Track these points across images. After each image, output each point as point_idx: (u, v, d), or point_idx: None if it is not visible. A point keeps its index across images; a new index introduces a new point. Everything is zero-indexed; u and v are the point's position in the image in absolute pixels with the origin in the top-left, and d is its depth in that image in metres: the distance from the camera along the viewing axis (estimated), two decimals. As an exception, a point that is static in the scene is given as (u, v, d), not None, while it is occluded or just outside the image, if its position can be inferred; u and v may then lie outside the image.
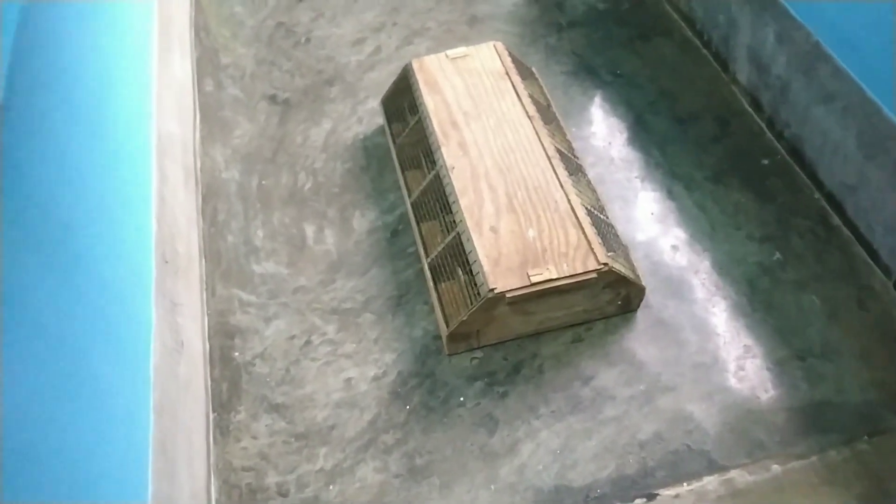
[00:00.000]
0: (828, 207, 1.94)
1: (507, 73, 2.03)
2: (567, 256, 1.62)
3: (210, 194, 2.12)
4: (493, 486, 1.55)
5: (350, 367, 1.74)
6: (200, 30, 2.64)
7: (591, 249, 1.62)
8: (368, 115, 2.30)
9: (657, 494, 1.52)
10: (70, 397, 1.11)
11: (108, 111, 1.59)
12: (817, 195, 1.97)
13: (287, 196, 2.10)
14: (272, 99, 2.39)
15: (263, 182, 2.14)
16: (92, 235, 1.33)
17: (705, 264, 1.86)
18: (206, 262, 1.95)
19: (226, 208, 2.08)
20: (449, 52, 2.11)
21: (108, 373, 1.23)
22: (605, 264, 1.60)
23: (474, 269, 1.63)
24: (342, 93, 2.38)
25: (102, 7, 1.77)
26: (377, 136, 2.25)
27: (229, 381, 1.73)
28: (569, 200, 1.71)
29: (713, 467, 1.54)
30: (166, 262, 1.59)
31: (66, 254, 1.22)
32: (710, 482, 1.52)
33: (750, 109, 2.20)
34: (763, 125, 2.15)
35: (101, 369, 1.21)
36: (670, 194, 2.02)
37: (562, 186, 1.74)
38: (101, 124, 1.54)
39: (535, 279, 1.58)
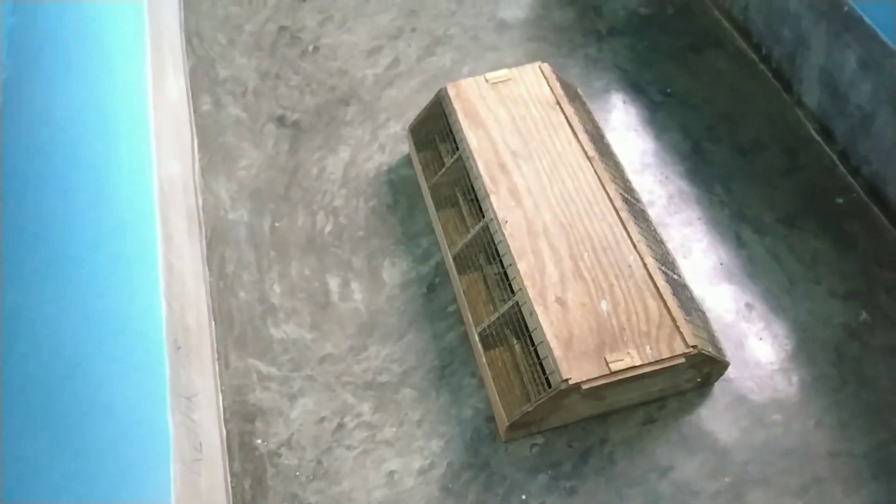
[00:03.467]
0: (915, 258, 1.74)
1: (559, 103, 1.78)
2: (649, 336, 1.40)
3: (216, 239, 1.85)
4: None
5: (392, 458, 1.51)
6: (192, 35, 2.33)
7: (677, 328, 1.40)
8: (391, 142, 2.04)
9: None
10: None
11: (105, 167, 1.32)
12: (902, 242, 1.77)
13: (305, 241, 1.84)
14: (280, 121, 2.11)
15: (277, 224, 1.88)
16: (95, 341, 1.07)
17: (785, 327, 1.66)
18: (216, 325, 1.69)
19: (235, 257, 1.82)
20: (489, 75, 1.85)
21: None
22: (695, 347, 1.38)
23: (541, 351, 1.41)
24: (359, 114, 2.11)
25: (89, 35, 1.47)
26: (402, 167, 1.99)
27: (252, 477, 1.49)
28: (644, 264, 1.49)
29: (816, 578, 1.36)
30: (178, 348, 1.34)
31: (67, 380, 0.97)
32: None
33: (818, 138, 1.98)
34: (835, 157, 1.93)
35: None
36: (739, 241, 1.80)
37: (635, 247, 1.51)
38: (98, 184, 1.27)
39: (615, 367, 1.36)
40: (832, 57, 1.87)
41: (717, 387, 1.58)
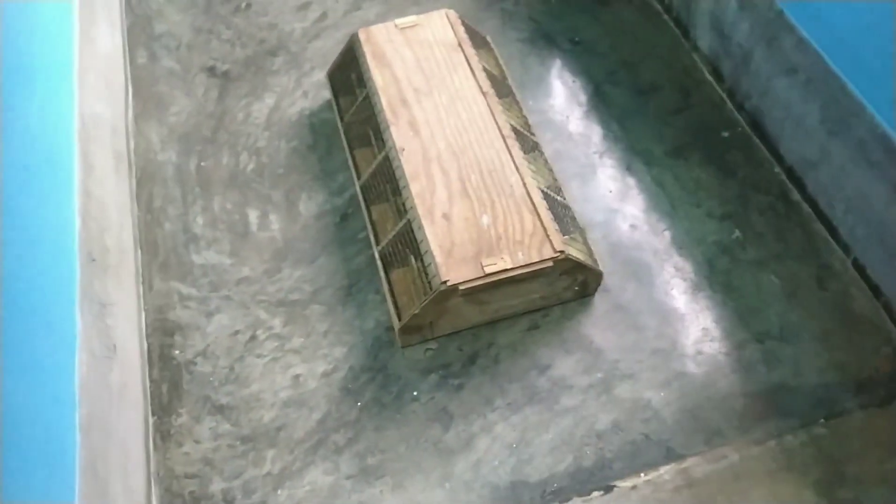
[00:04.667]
0: (788, 183, 1.89)
1: (460, 45, 1.92)
2: (522, 244, 1.55)
3: (145, 178, 1.98)
4: (447, 484, 1.50)
5: (298, 364, 1.66)
6: (131, -5, 2.45)
7: (547, 236, 1.55)
8: (314, 89, 2.17)
9: (614, 486, 1.49)
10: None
11: (19, 99, 1.45)
12: (777, 170, 1.92)
13: (228, 178, 1.98)
14: (211, 71, 2.23)
15: (203, 163, 2.01)
16: (4, 242, 1.21)
17: (664, 244, 1.81)
18: (142, 253, 1.83)
19: (162, 193, 1.95)
20: (398, 21, 1.99)
21: (26, 394, 1.13)
22: (562, 252, 1.53)
23: (426, 259, 1.55)
24: (286, 64, 2.24)
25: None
26: (324, 111, 2.12)
27: (169, 383, 1.64)
28: (524, 184, 1.63)
29: (671, 456, 1.52)
30: (93, 260, 1.48)
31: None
32: (667, 472, 1.50)
33: (710, 79, 2.13)
34: (724, 96, 2.08)
35: (17, 390, 1.11)
36: (629, 171, 1.95)
37: (517, 169, 1.66)
38: (13, 115, 1.40)
39: (489, 269, 1.51)
40: (718, 0, 2.02)
41: (598, 297, 1.73)
